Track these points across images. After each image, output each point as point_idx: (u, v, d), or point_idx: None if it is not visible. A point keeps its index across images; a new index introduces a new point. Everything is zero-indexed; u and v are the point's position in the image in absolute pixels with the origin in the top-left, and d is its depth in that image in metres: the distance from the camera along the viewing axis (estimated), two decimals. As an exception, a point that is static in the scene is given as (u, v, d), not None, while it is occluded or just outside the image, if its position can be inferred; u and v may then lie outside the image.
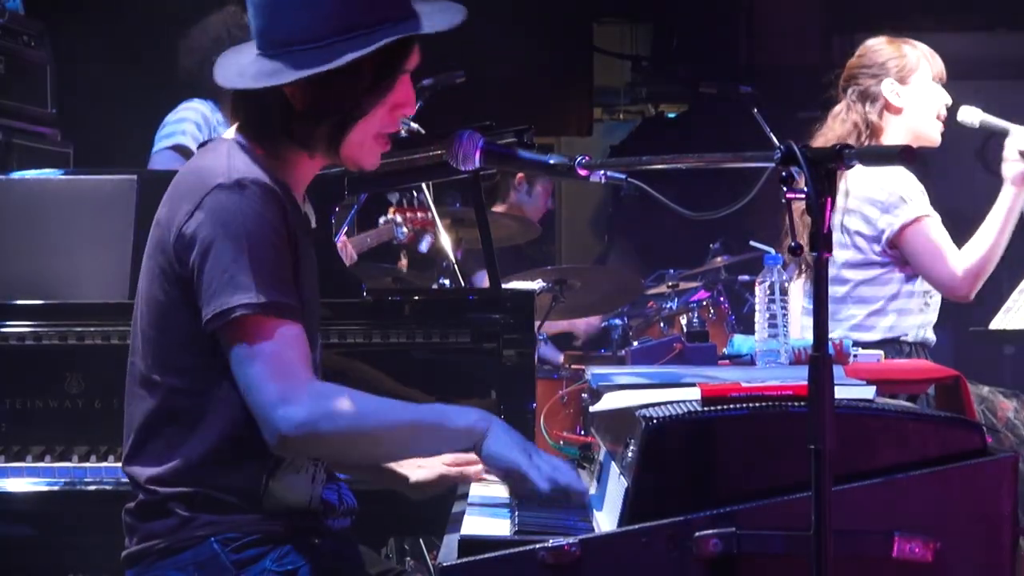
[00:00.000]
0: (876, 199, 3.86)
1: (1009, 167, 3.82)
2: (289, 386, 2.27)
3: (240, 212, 2.30)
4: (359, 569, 2.55)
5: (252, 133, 2.45)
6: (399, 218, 5.17)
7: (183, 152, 4.41)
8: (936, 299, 3.98)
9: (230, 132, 2.50)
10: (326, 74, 2.33)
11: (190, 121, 4.48)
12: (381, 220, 5.26)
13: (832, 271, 3.90)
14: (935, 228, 3.85)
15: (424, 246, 5.16)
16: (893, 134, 3.97)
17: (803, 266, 4.01)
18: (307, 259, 2.46)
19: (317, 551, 2.44)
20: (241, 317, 2.27)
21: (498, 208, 6.58)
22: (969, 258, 3.82)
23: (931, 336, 3.99)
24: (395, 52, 2.38)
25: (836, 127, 4.02)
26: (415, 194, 5.12)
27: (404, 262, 5.36)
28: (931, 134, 4.02)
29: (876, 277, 3.90)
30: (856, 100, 4.02)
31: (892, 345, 3.88)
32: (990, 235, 3.82)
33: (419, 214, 5.19)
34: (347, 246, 4.80)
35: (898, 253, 3.88)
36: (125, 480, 2.49)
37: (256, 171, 2.37)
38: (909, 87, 3.99)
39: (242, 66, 2.42)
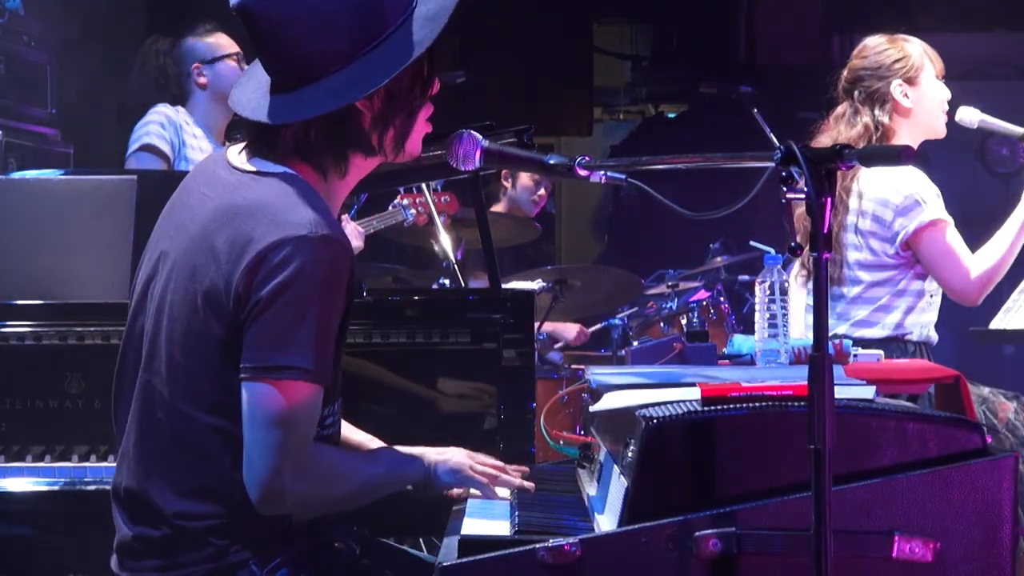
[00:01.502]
0: (890, 201, 3.85)
1: None
2: (299, 458, 2.27)
3: (320, 271, 2.24)
4: (384, 554, 2.57)
5: (319, 159, 2.38)
6: (406, 201, 5.29)
7: (152, 151, 4.68)
8: (938, 299, 3.98)
9: (234, 155, 2.41)
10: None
11: (154, 123, 4.74)
12: (390, 206, 5.35)
13: (846, 272, 3.90)
14: (950, 232, 3.85)
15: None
16: (904, 134, 3.96)
17: (807, 263, 4.00)
18: None
19: (346, 555, 2.49)
20: (290, 380, 2.24)
21: (496, 208, 6.59)
22: (982, 265, 3.82)
23: (934, 335, 4.00)
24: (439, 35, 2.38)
25: (843, 129, 3.99)
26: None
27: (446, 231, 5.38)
28: (940, 130, 4.02)
29: (888, 278, 3.90)
30: (864, 102, 3.99)
31: (896, 344, 3.88)
32: (1004, 243, 3.82)
33: (442, 198, 5.42)
34: (350, 224, 4.98)
35: (911, 254, 3.88)
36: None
37: (334, 222, 2.32)
38: (917, 87, 3.98)
39: (292, 96, 2.35)
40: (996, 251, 3.83)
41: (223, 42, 4.87)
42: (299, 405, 2.25)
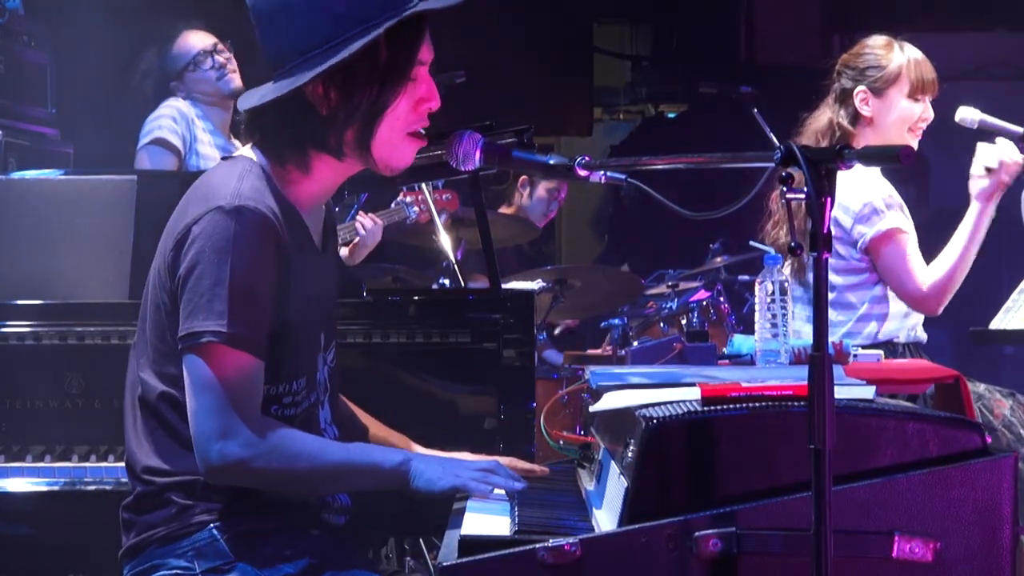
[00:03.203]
0: (849, 208, 3.84)
1: (975, 183, 3.80)
2: (232, 422, 2.31)
3: (232, 238, 2.33)
4: (357, 560, 2.56)
5: (276, 149, 2.46)
6: (409, 199, 5.31)
7: (163, 144, 4.69)
8: None
9: (246, 149, 2.51)
10: (346, 71, 2.37)
11: (166, 116, 4.75)
12: (393, 203, 5.35)
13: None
14: (907, 242, 3.84)
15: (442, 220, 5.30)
16: (861, 143, 3.93)
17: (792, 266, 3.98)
18: (308, 274, 2.47)
19: (314, 541, 2.47)
20: (207, 344, 2.31)
21: (505, 210, 6.59)
22: (935, 274, 3.81)
23: (922, 335, 3.99)
24: (406, 38, 2.42)
25: (814, 123, 4.02)
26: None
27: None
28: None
29: (859, 282, 3.89)
30: (836, 99, 4.01)
31: (886, 347, 3.87)
32: (956, 252, 3.80)
33: (443, 196, 5.44)
34: (372, 219, 4.96)
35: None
36: (125, 480, 2.50)
37: (262, 197, 2.39)
38: (882, 100, 3.95)
39: (262, 90, 2.45)
40: (948, 260, 3.81)
41: (187, 45, 4.85)
42: (221, 369, 2.31)
